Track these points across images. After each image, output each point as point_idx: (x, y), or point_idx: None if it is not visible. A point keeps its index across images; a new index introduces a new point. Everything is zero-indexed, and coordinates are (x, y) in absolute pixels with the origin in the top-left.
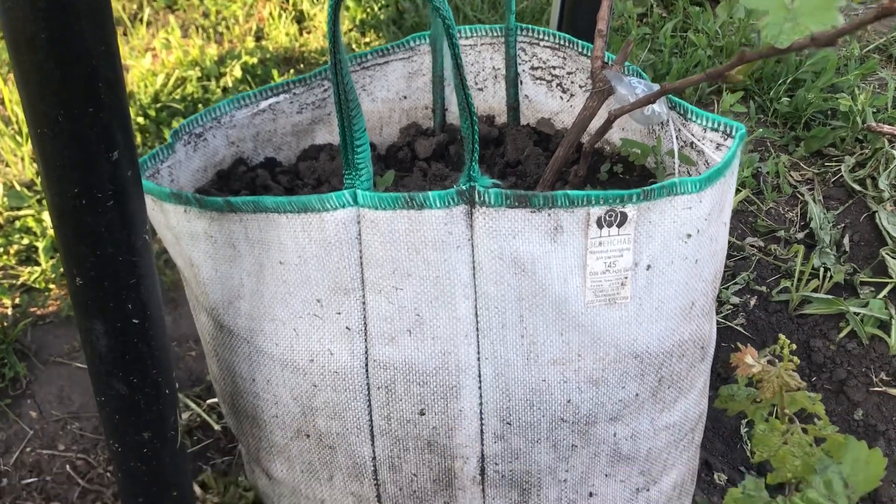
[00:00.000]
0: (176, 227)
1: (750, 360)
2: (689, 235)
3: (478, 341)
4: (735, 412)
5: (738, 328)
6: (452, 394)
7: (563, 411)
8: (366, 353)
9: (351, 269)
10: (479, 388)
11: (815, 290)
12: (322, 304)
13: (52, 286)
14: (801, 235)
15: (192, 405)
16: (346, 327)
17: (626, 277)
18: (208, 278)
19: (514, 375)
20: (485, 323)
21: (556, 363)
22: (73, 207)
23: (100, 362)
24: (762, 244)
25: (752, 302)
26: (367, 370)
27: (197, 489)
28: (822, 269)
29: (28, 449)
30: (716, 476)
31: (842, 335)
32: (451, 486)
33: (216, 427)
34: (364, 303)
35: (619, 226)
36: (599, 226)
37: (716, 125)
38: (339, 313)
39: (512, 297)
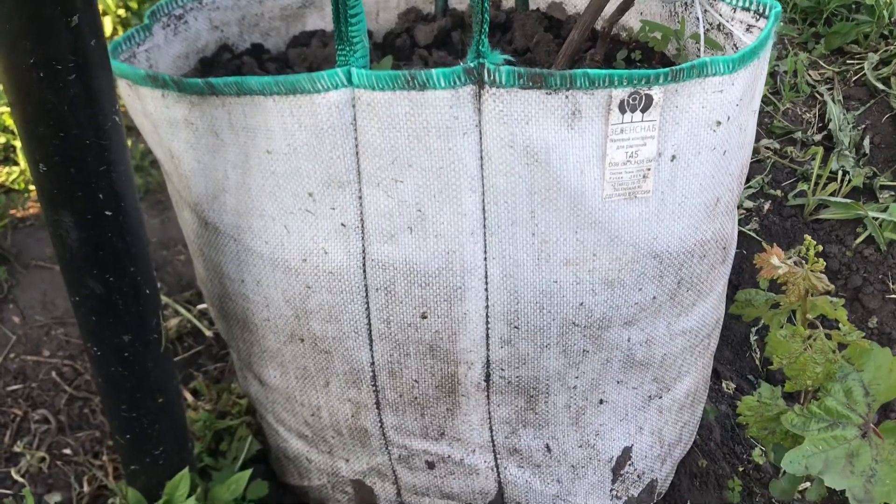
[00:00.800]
0: (153, 115)
1: (776, 260)
2: (719, 123)
3: (485, 239)
4: (751, 318)
5: (751, 233)
6: (457, 296)
7: (574, 315)
8: (363, 252)
9: (346, 160)
10: (486, 289)
11: (832, 194)
12: (315, 199)
13: (31, 187)
14: (818, 137)
15: (182, 311)
16: (342, 224)
17: (649, 169)
18: (190, 170)
19: (523, 276)
20: (493, 219)
21: (569, 263)
22: (30, 82)
23: (71, 258)
24: (777, 146)
25: (766, 206)
26: (364, 270)
27: (188, 396)
28: (840, 173)
29: (12, 355)
30: (724, 384)
31: (859, 241)
32: (455, 392)
33: (207, 333)
34: (360, 197)
35: (643, 110)
36: (622, 110)
37: (747, 3)
38: (334, 209)
39: (523, 190)
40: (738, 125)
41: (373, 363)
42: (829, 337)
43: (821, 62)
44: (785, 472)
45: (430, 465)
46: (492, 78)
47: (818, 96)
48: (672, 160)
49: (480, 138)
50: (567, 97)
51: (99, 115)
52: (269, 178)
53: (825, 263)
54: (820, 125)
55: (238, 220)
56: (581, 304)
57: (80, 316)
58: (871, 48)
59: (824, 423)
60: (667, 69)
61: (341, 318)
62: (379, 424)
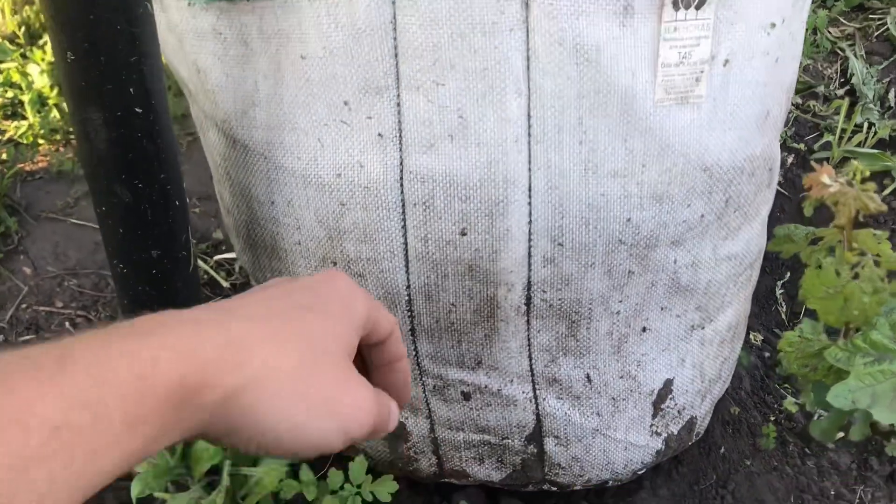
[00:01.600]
0: (179, 26)
1: (826, 178)
2: (773, 25)
3: (529, 148)
4: (790, 254)
5: (776, 187)
6: (499, 210)
7: (621, 231)
8: (400, 164)
9: (384, 62)
10: (529, 203)
11: (858, 146)
12: (350, 108)
13: (40, 141)
14: (841, 92)
15: (200, 262)
16: (378, 134)
17: (702, 72)
18: (217, 85)
19: (569, 189)
20: (538, 126)
21: (618, 175)
22: None
23: (98, 162)
24: (800, 101)
25: (790, 160)
26: (401, 184)
27: None
28: (865, 125)
29: (24, 306)
30: (751, 336)
31: (886, 192)
32: (493, 316)
33: (225, 284)
34: (399, 104)
35: (697, 7)
36: (675, 7)
37: None
38: (370, 118)
39: (572, 93)
40: (791, 32)
41: (408, 286)
42: (877, 265)
43: (841, 19)
44: (819, 415)
45: (466, 397)
46: None
47: (839, 52)
48: (725, 64)
49: (527, 35)
50: None
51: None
52: (302, 87)
53: (876, 185)
54: (842, 80)
55: (269, 136)
56: (628, 219)
57: (105, 229)
58: (893, 2)
59: (870, 358)
60: None
61: (377, 238)
62: (413, 353)
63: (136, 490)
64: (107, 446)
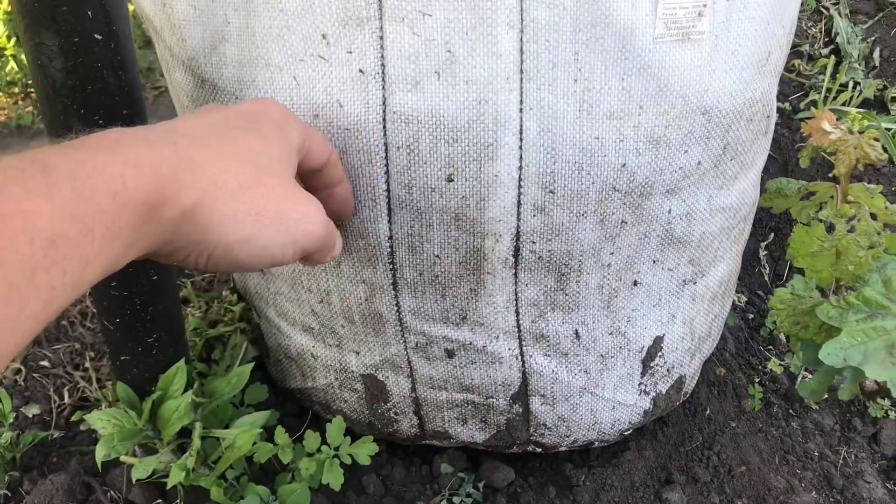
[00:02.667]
0: None
1: (827, 125)
2: None
3: (521, 86)
4: (781, 209)
5: None
6: (488, 154)
7: (616, 178)
8: (383, 102)
9: None
10: (520, 147)
11: (843, 105)
12: (329, 42)
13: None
14: (825, 51)
15: None
16: (360, 70)
17: (705, 5)
18: (185, 18)
19: (562, 131)
20: (531, 61)
21: (614, 116)
22: None
23: (55, 95)
24: None
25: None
26: (384, 125)
27: None
28: (850, 84)
29: None
30: (735, 297)
31: None
32: (480, 269)
33: None
34: (382, 37)
35: None
36: None
37: None
38: (351, 52)
39: (567, 25)
40: None
41: (391, 237)
42: (874, 217)
43: None
44: (804, 376)
45: (450, 354)
46: None
47: (824, 11)
48: None
49: None
50: None
51: None
52: (276, 19)
53: (876, 132)
54: (826, 39)
55: (240, 73)
56: (624, 165)
57: None
58: None
59: (862, 315)
60: None
61: (357, 184)
62: (395, 308)
63: (100, 454)
64: (92, 257)
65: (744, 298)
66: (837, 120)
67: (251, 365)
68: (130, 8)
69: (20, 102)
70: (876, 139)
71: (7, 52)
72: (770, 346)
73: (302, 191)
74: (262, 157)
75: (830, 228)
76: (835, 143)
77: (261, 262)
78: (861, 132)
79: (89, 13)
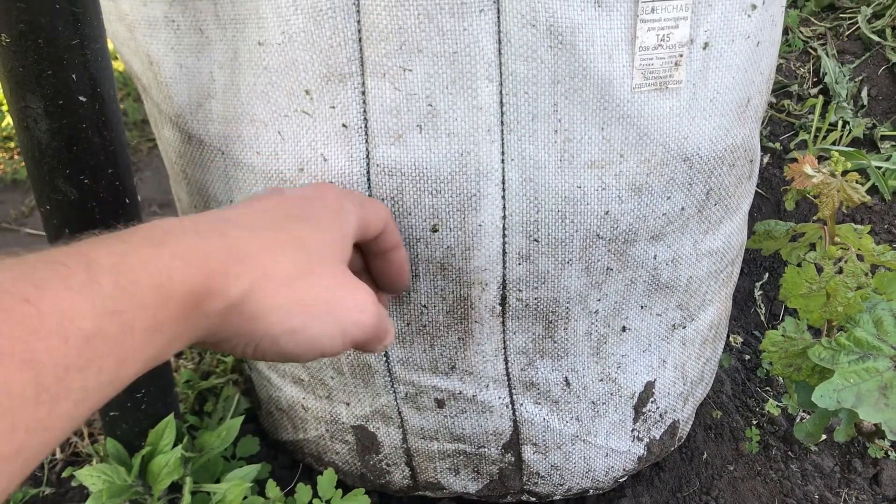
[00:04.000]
0: (129, 15)
1: (809, 169)
2: (754, 7)
3: (502, 137)
4: (770, 251)
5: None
6: (471, 204)
7: (599, 225)
8: (367, 155)
9: (347, 47)
10: (503, 197)
11: (833, 144)
12: (312, 97)
13: None
14: (814, 91)
15: None
16: (343, 125)
17: (681, 55)
18: (171, 77)
19: (544, 181)
20: (511, 113)
21: (595, 165)
22: None
23: (41, 156)
24: (774, 100)
25: (766, 160)
26: (368, 178)
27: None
28: (839, 124)
29: None
30: (731, 338)
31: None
32: (467, 318)
33: None
34: (364, 91)
35: None
36: None
37: None
38: (334, 107)
39: (546, 78)
40: (772, 15)
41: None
42: (860, 259)
43: (812, 19)
44: (802, 418)
45: (440, 404)
46: None
47: (811, 51)
48: (705, 48)
49: (499, 17)
50: None
51: None
52: (260, 76)
53: (858, 175)
54: (815, 79)
55: (226, 129)
56: (606, 212)
57: (50, 230)
58: (864, 2)
59: (854, 356)
60: None
61: None
62: (384, 359)
63: None
64: (132, 353)
65: (740, 339)
66: (821, 162)
67: (241, 418)
68: (120, 66)
69: (16, 157)
70: (858, 181)
71: (3, 108)
72: (767, 388)
73: (355, 280)
74: (316, 247)
75: (821, 269)
76: (818, 186)
77: (308, 353)
78: (844, 174)
79: (73, 76)
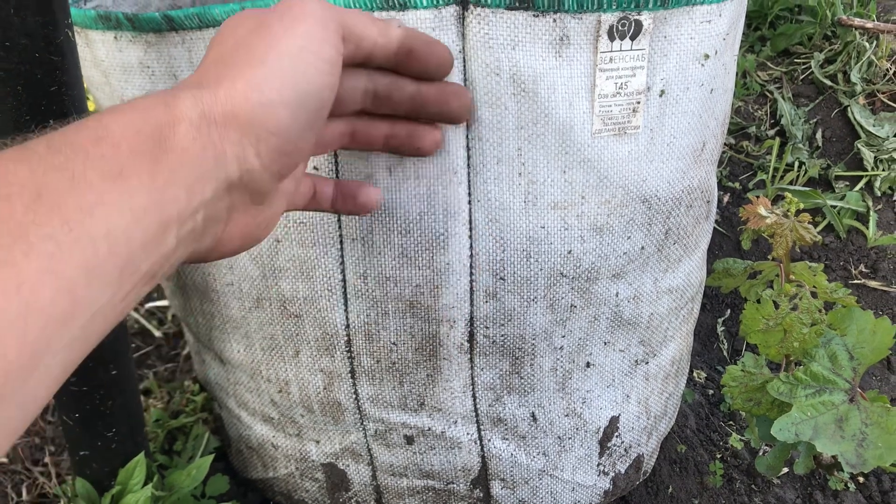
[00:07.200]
0: (105, 61)
1: (763, 210)
2: (707, 56)
3: (469, 179)
4: (729, 288)
5: (714, 226)
6: (439, 244)
7: (563, 264)
8: None
9: None
10: (470, 236)
11: (790, 184)
12: None
13: None
14: (771, 132)
15: (131, 312)
16: (314, 167)
17: (639, 102)
18: None
19: (509, 221)
20: (477, 157)
21: (558, 207)
22: None
23: None
24: (733, 141)
25: (726, 199)
26: (339, 218)
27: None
28: (796, 164)
29: None
30: (695, 374)
31: (818, 229)
32: (436, 355)
33: (157, 333)
34: None
35: (632, 38)
36: (611, 37)
37: None
38: None
39: (510, 124)
40: (724, 64)
41: (347, 325)
42: (814, 296)
43: (768, 63)
44: (764, 451)
45: (409, 441)
46: None
47: (768, 94)
48: (661, 95)
49: (465, 66)
50: (555, 21)
51: (50, 25)
52: None
53: (810, 216)
54: (772, 121)
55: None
56: (569, 252)
57: None
58: (816, 48)
59: (811, 390)
60: None
61: (314, 275)
62: (353, 396)
63: None
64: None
65: (703, 374)
66: (779, 202)
67: (211, 457)
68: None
69: None
70: (811, 221)
71: None
72: (731, 422)
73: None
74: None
75: (778, 306)
76: (771, 226)
77: (307, 101)
78: (797, 214)
79: (51, 122)
